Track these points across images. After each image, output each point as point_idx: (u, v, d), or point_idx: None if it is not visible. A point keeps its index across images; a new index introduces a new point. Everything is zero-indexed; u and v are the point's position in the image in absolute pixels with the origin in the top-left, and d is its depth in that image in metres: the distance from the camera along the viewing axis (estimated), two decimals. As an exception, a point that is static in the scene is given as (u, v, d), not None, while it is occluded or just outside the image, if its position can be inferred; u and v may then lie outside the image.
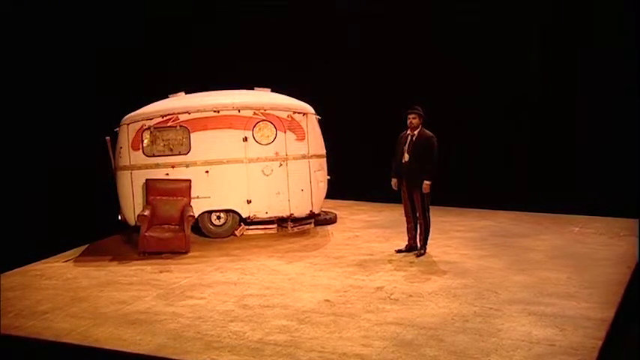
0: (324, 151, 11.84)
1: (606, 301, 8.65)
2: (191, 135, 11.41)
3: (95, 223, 11.60)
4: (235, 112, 11.51)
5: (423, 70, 12.96)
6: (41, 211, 11.31)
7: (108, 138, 11.37)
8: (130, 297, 9.08)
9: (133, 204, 11.33)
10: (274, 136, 11.56)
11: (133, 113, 11.48)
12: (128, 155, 11.34)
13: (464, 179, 12.98)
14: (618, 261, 10.19)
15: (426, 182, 10.25)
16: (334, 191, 12.30)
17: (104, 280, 9.81)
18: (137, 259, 10.63)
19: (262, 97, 11.87)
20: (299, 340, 7.73)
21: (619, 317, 8.25)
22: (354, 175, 12.97)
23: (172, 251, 10.76)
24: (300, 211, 11.75)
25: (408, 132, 10.41)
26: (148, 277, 9.86)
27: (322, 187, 11.82)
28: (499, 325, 8.01)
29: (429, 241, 10.61)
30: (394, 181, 10.59)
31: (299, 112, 11.67)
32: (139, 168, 11.36)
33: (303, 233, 11.91)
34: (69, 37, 12.23)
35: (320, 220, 12.28)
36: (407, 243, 10.70)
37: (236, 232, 11.77)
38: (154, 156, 11.39)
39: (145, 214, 10.85)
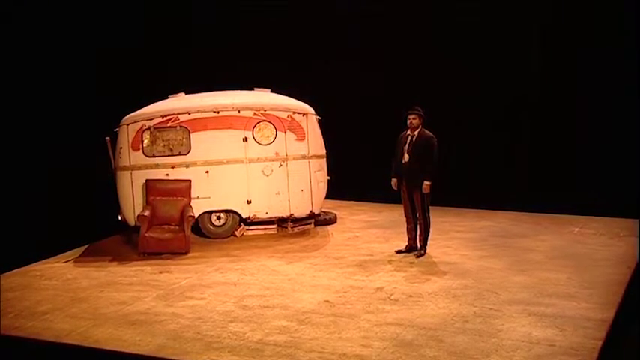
0: (324, 152, 11.84)
1: (606, 301, 8.65)
2: (191, 135, 11.41)
3: (95, 224, 11.59)
4: (235, 113, 11.51)
5: (423, 70, 12.96)
6: (41, 211, 11.31)
7: (108, 138, 11.37)
8: (129, 297, 9.08)
9: (132, 204, 11.33)
10: (274, 136, 11.56)
11: (133, 114, 11.48)
12: (128, 156, 11.34)
13: (464, 179, 12.97)
14: (618, 261, 10.19)
15: (426, 183, 10.25)
16: (334, 191, 12.30)
17: (104, 280, 9.81)
18: (137, 260, 10.63)
19: (262, 97, 11.87)
20: (299, 340, 7.74)
21: (619, 317, 8.25)
22: (354, 175, 12.96)
23: (172, 252, 10.76)
24: (300, 212, 11.75)
25: (408, 132, 10.41)
26: (148, 278, 9.86)
27: (322, 188, 11.82)
28: (499, 325, 8.02)
29: (428, 242, 10.61)
30: (394, 181, 10.58)
31: (299, 113, 11.67)
32: (139, 168, 11.36)
33: (303, 234, 11.91)
34: (69, 37, 12.23)
35: (320, 220, 12.28)
36: (407, 243, 10.70)
37: (236, 233, 11.77)
38: (153, 156, 11.39)
39: (145, 214, 10.85)
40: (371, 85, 13.36)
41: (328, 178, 11.91)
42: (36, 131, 11.71)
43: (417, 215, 10.48)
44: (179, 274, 9.99)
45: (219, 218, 11.69)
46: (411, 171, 10.35)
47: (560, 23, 12.61)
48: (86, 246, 11.32)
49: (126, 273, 10.08)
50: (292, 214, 11.72)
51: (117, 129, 11.40)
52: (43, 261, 10.61)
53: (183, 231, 10.81)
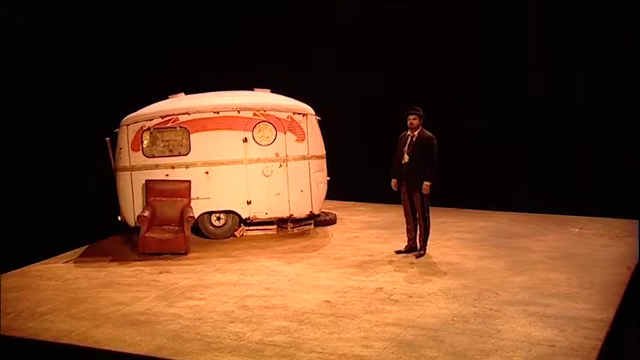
0: (324, 152, 11.84)
1: (606, 301, 8.65)
2: (191, 136, 11.41)
3: (95, 224, 11.59)
4: (235, 113, 11.51)
5: (423, 70, 12.95)
6: (41, 211, 11.31)
7: (107, 139, 11.37)
8: (129, 298, 9.08)
9: (132, 205, 11.33)
10: (274, 136, 11.56)
11: (132, 114, 11.48)
12: (128, 156, 11.34)
13: (464, 179, 12.97)
14: (618, 262, 10.18)
15: (426, 183, 10.25)
16: (334, 192, 12.29)
17: (104, 281, 9.81)
18: (137, 260, 10.63)
19: (262, 97, 11.87)
20: (299, 341, 7.74)
21: (619, 318, 8.25)
22: (354, 175, 12.96)
23: (172, 252, 10.76)
24: (300, 212, 11.75)
25: (408, 132, 10.40)
26: (148, 278, 9.86)
27: (322, 188, 11.82)
28: (499, 325, 8.01)
29: (428, 242, 10.61)
30: (394, 181, 10.58)
31: (299, 113, 11.67)
32: (139, 169, 11.36)
33: (303, 234, 11.91)
34: (69, 37, 12.23)
35: (320, 220, 12.28)
36: (407, 244, 10.70)
37: (236, 233, 11.76)
38: (153, 157, 11.39)
39: (145, 215, 10.85)
40: (371, 85, 13.37)
41: (328, 178, 11.91)
42: (36, 131, 11.70)
43: (417, 216, 10.48)
44: (179, 274, 9.99)
45: (219, 219, 11.69)
46: (410, 171, 10.35)
47: (560, 23, 12.60)
48: (86, 246, 11.33)
49: (126, 273, 10.08)
50: (292, 215, 11.72)
51: (117, 129, 11.40)
52: (43, 261, 10.62)
53: (183, 231, 10.81)
